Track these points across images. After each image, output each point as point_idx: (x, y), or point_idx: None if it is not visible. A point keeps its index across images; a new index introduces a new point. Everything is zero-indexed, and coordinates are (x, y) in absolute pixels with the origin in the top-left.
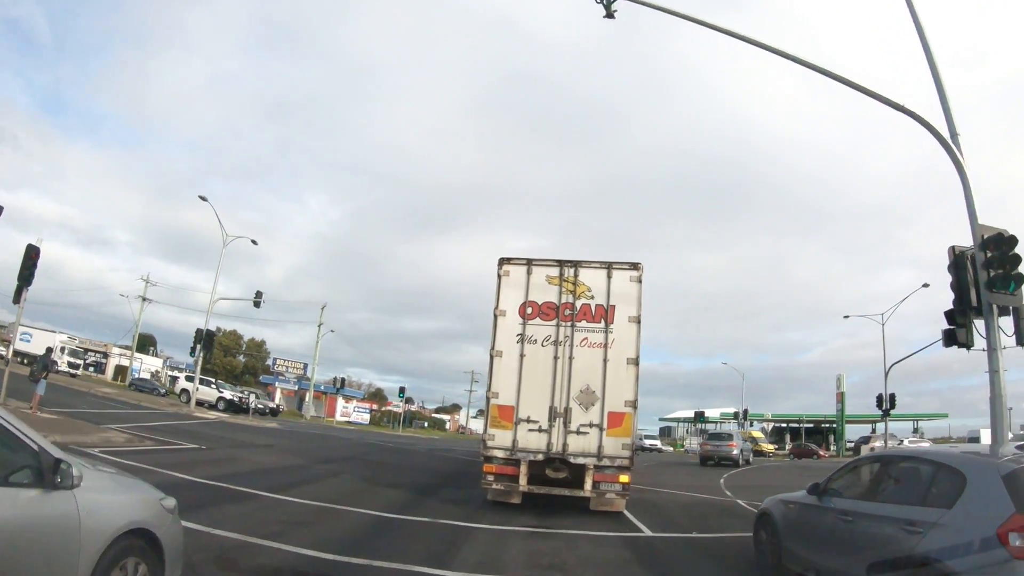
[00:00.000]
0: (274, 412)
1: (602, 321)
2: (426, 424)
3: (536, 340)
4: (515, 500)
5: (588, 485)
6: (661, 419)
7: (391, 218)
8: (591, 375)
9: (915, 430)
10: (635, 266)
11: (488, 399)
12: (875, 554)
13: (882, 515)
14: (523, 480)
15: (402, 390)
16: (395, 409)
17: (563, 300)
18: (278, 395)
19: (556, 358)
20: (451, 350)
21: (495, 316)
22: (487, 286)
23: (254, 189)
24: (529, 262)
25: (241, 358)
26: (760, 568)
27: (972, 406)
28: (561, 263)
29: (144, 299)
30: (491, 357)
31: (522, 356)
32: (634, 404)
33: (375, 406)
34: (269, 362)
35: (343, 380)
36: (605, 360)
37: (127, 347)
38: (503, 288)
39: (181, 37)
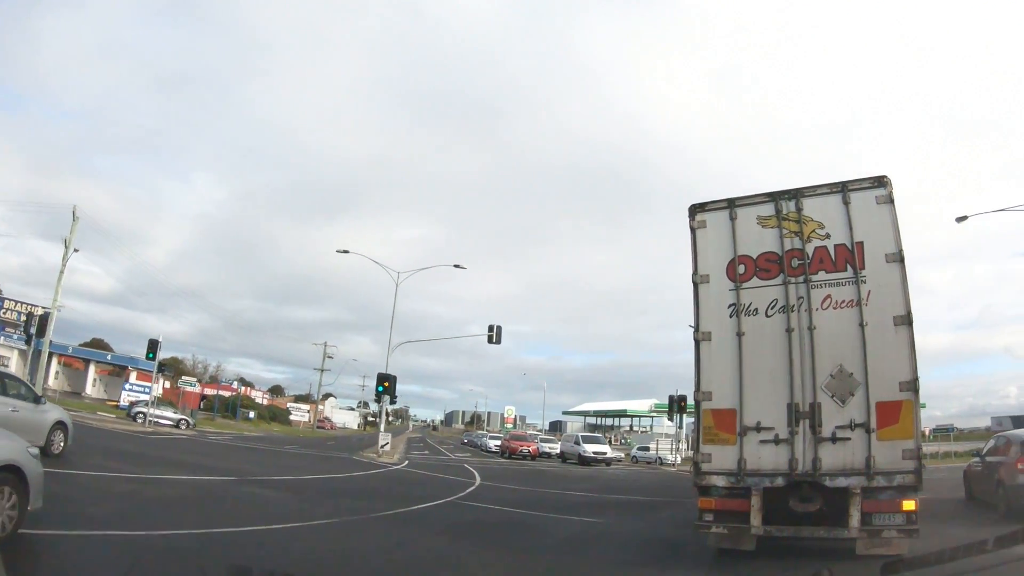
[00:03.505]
0: None
1: (848, 268)
2: (253, 415)
3: (757, 309)
4: (747, 546)
5: (855, 520)
6: (565, 412)
7: (280, 201)
8: (844, 350)
9: None
10: (880, 181)
11: (697, 403)
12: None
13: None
14: (756, 518)
15: (152, 347)
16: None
17: (787, 247)
18: None
19: (789, 331)
20: (339, 340)
21: (694, 285)
22: (377, 278)
23: (140, 165)
24: (731, 203)
25: None
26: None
27: None
28: (775, 196)
29: None
30: (696, 342)
31: (739, 335)
32: (914, 386)
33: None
34: None
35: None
36: (861, 324)
37: None
38: (699, 244)
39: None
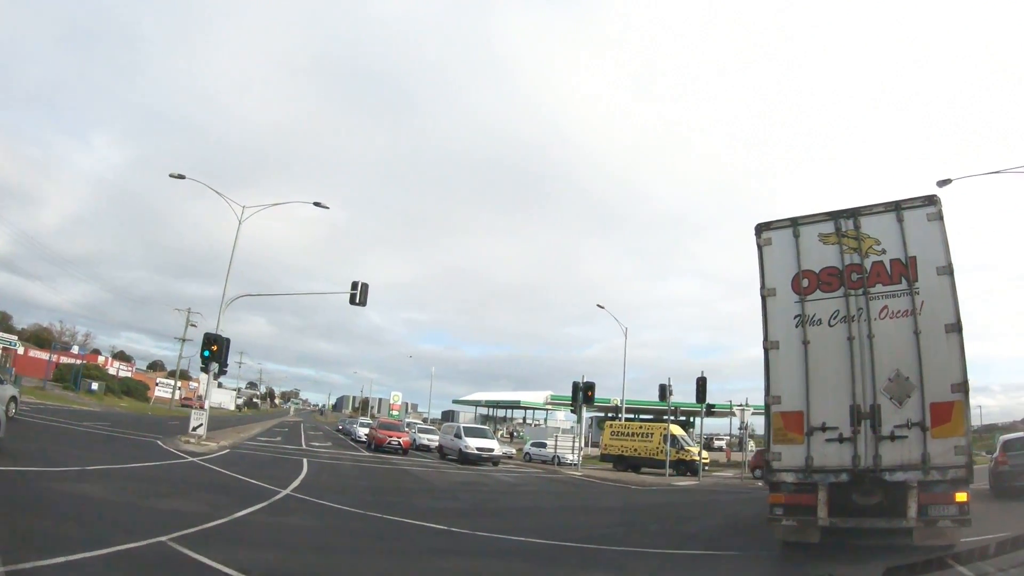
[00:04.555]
0: None
1: (902, 280)
2: (96, 386)
3: (821, 320)
4: (812, 539)
5: (912, 511)
6: (455, 401)
7: (181, 169)
8: (900, 355)
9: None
10: (931, 200)
11: (768, 406)
12: None
13: None
14: (823, 511)
15: None
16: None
17: (847, 262)
18: None
19: (850, 339)
20: (230, 318)
21: (762, 298)
22: (274, 255)
23: (37, 120)
24: (794, 222)
25: None
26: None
27: None
28: (835, 215)
29: None
30: (765, 351)
31: (805, 343)
32: (964, 388)
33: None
34: None
35: None
36: (916, 332)
37: None
38: (766, 260)
39: None
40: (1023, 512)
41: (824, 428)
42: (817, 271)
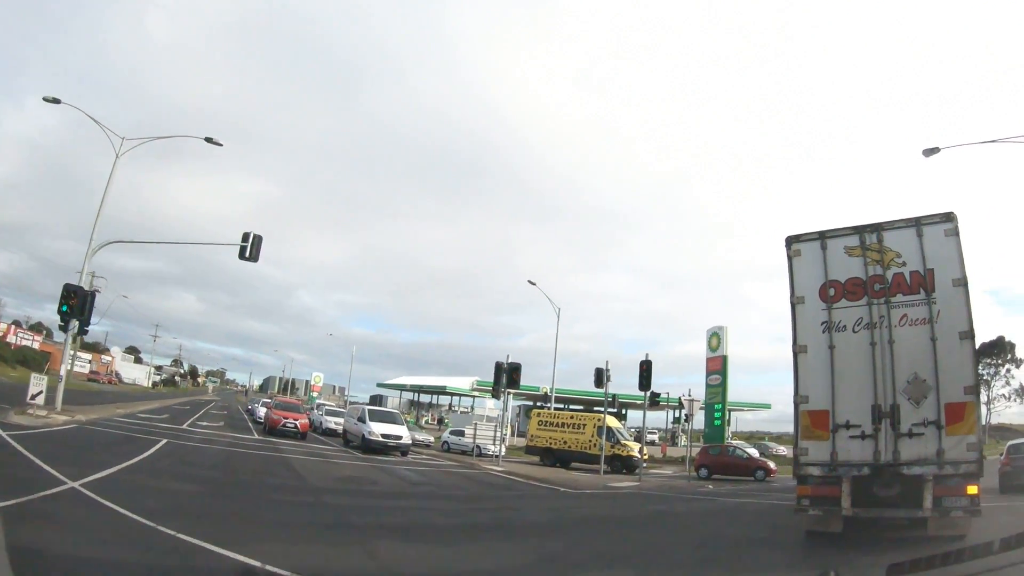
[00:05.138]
0: None
1: (921, 291)
2: None
3: (845, 326)
4: (835, 528)
5: (928, 502)
6: (380, 384)
7: (115, 136)
8: (918, 360)
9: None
10: (949, 217)
11: (796, 405)
12: None
13: None
14: (846, 501)
15: None
16: None
17: (870, 273)
18: None
19: (873, 344)
20: (160, 295)
21: (792, 306)
22: (210, 227)
23: None
24: (822, 235)
25: None
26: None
27: None
28: (860, 230)
29: None
30: (794, 355)
31: (831, 348)
32: (976, 390)
33: None
34: None
35: None
36: (933, 338)
37: None
38: (796, 270)
39: None
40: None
41: (848, 425)
42: (843, 281)
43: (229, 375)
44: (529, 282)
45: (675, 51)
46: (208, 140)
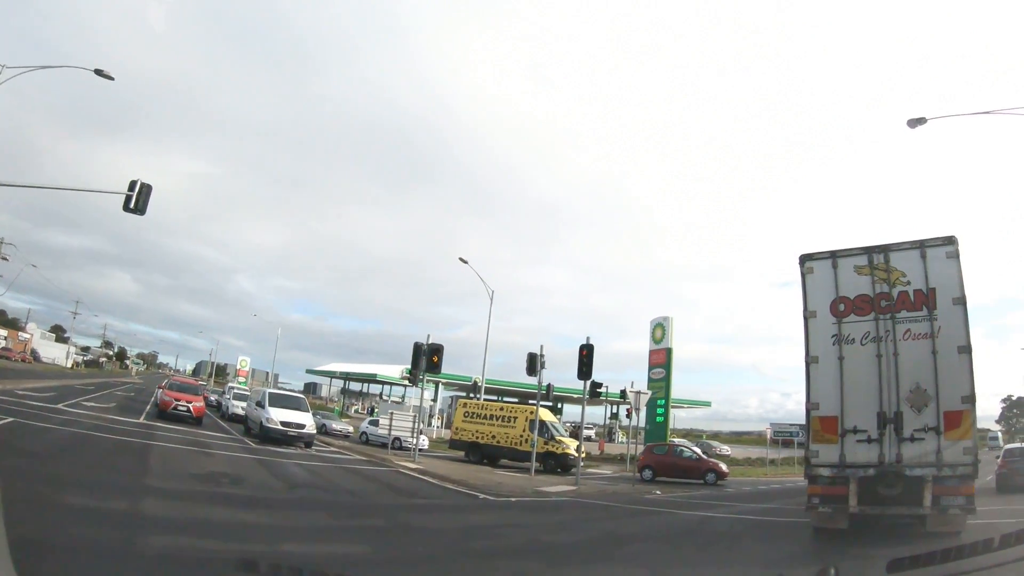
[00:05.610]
0: None
1: (924, 308)
2: None
3: (854, 339)
4: (841, 524)
5: (927, 501)
6: (309, 371)
7: (57, 109)
8: (920, 371)
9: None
10: (950, 240)
11: (808, 411)
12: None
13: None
14: (853, 499)
15: None
16: None
17: (877, 291)
18: None
19: (879, 356)
20: (97, 274)
21: (805, 319)
22: (153, 214)
23: None
24: (833, 255)
25: None
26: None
27: None
28: (869, 250)
29: None
30: (806, 365)
31: (840, 359)
32: (972, 400)
33: None
34: None
35: None
36: (934, 352)
37: None
38: (809, 287)
39: None
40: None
41: (855, 430)
42: (852, 297)
43: (163, 359)
44: (460, 259)
45: (622, 52)
46: (98, 72)
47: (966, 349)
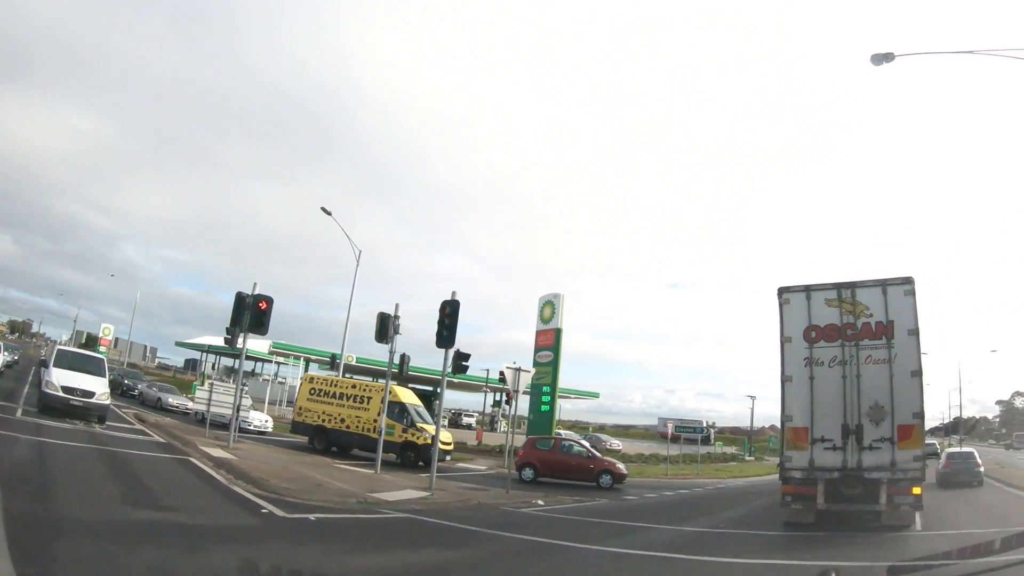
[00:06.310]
0: None
1: (883, 337)
2: None
3: (823, 362)
4: (809, 519)
5: (883, 499)
6: (178, 344)
7: None
8: (878, 391)
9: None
10: (908, 280)
11: (783, 423)
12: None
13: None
14: (820, 498)
15: None
16: None
17: (844, 321)
18: None
19: (844, 377)
20: None
21: (781, 344)
22: (36, 162)
23: None
24: (807, 288)
25: None
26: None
27: None
28: (838, 286)
29: None
30: (782, 383)
31: (811, 379)
32: (921, 416)
33: None
34: None
35: None
36: (890, 375)
37: None
38: (785, 316)
39: None
40: (961, 496)
41: (823, 439)
42: (822, 326)
43: (40, 327)
44: (323, 210)
45: (537, 45)
46: None
47: (918, 373)
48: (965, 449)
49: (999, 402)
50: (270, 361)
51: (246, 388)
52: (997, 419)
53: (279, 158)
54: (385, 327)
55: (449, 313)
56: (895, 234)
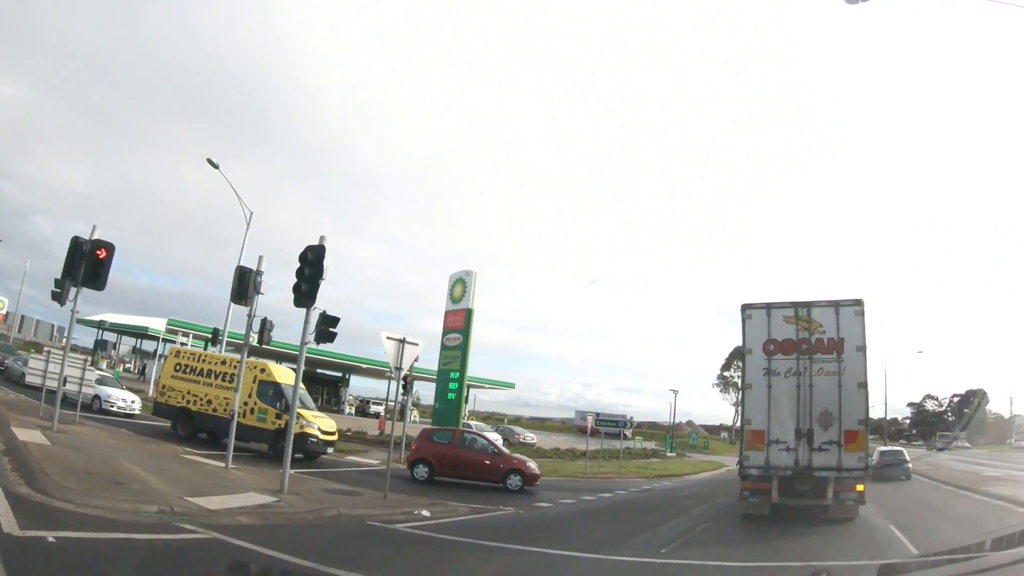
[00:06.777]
0: None
1: (834, 352)
2: None
3: (779, 372)
4: (764, 511)
5: (830, 495)
6: (80, 321)
7: None
8: (828, 399)
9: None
10: (858, 302)
11: (742, 426)
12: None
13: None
14: (775, 493)
15: None
16: None
17: (800, 336)
18: None
19: (798, 387)
20: None
21: (743, 355)
22: None
23: None
24: (768, 306)
25: None
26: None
27: None
28: (796, 305)
29: None
30: (742, 390)
31: (769, 387)
32: (865, 423)
33: None
34: None
35: None
36: (839, 385)
37: None
38: (747, 330)
39: None
40: (890, 488)
41: (778, 441)
42: (780, 340)
43: None
44: (209, 162)
45: (470, 29)
46: None
47: (863, 385)
48: (895, 447)
49: (910, 404)
50: (173, 341)
51: (91, 360)
52: (907, 420)
53: (206, 139)
54: (244, 284)
55: (312, 261)
56: (851, 248)
